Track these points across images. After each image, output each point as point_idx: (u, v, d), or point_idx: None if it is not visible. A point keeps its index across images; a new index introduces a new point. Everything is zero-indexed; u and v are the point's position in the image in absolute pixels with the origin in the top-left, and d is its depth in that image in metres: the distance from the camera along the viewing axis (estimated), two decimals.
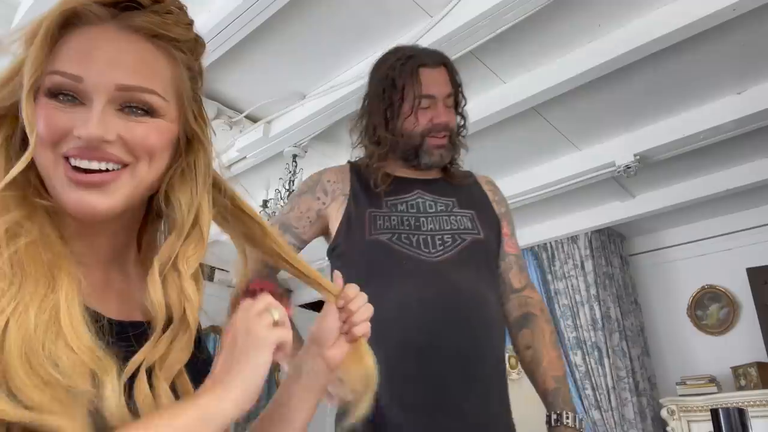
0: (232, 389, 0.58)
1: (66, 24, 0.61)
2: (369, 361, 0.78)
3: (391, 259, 1.27)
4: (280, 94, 2.93)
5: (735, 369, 3.52)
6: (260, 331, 0.63)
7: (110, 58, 0.60)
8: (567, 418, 1.24)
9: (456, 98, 1.45)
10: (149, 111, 0.62)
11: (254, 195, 3.77)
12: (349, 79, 2.69)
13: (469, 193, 1.45)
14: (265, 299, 0.66)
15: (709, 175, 3.52)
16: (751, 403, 3.21)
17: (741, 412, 2.10)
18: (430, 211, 1.36)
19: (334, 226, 1.35)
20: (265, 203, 3.28)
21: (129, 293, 0.69)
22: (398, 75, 1.38)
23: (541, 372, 1.32)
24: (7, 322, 0.50)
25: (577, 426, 1.24)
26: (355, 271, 1.13)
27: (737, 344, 3.70)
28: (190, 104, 0.69)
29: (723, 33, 2.41)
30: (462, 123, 1.48)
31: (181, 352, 0.63)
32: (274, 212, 3.26)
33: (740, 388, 3.43)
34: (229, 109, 3.04)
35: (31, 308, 0.52)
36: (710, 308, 3.92)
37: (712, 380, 3.53)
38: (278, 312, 0.66)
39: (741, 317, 3.79)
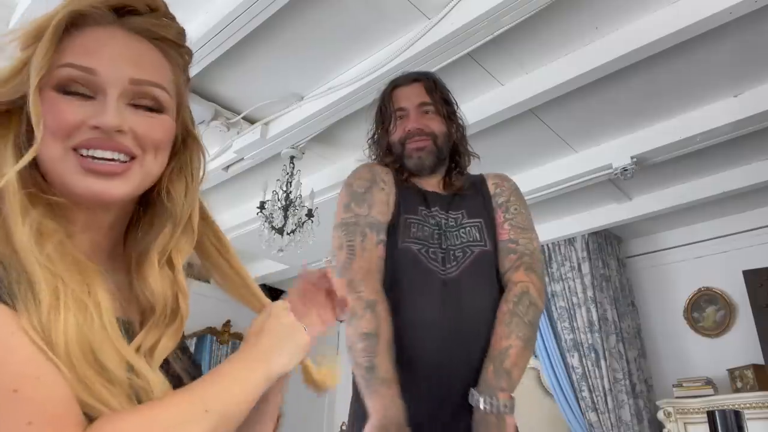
0: (268, 356, 0.64)
1: (71, 24, 0.63)
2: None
3: (415, 272, 1.35)
4: (278, 95, 2.93)
5: (731, 371, 3.52)
6: (300, 331, 0.70)
7: (121, 54, 0.63)
8: (476, 399, 1.22)
9: (437, 106, 1.54)
10: (157, 106, 0.66)
11: (252, 196, 3.77)
12: (346, 80, 2.69)
13: (474, 199, 1.51)
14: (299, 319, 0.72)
15: (705, 178, 3.54)
16: (748, 405, 3.22)
17: (737, 415, 2.11)
18: (446, 227, 1.44)
19: (386, 207, 1.41)
20: (262, 205, 3.28)
21: (119, 289, 0.70)
22: (381, 99, 1.58)
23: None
24: (66, 327, 0.53)
25: (487, 409, 1.20)
26: (387, 272, 1.33)
27: (733, 346, 3.71)
28: (186, 104, 0.73)
29: (720, 36, 2.42)
30: (455, 129, 1.57)
31: (170, 341, 0.66)
32: (272, 213, 3.26)
33: (736, 390, 3.43)
34: (227, 111, 3.04)
35: (73, 308, 0.55)
36: (707, 310, 3.93)
37: (709, 382, 3.54)
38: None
39: (737, 319, 3.80)
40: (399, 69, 2.49)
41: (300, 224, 3.28)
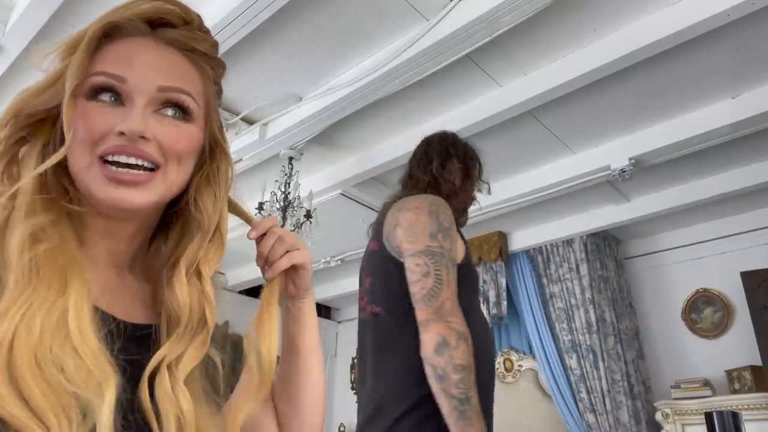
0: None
1: (106, 35, 0.66)
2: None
3: (476, 299, 1.59)
4: (277, 96, 2.93)
5: (729, 372, 3.53)
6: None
7: (151, 63, 0.65)
8: None
9: None
10: (184, 112, 0.67)
11: (250, 197, 3.76)
12: (345, 81, 2.69)
13: None
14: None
15: (703, 179, 3.54)
16: (745, 406, 3.23)
17: (735, 416, 2.11)
18: None
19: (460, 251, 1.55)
20: (260, 206, 3.28)
21: (140, 296, 0.71)
22: (473, 160, 1.81)
23: None
24: (15, 329, 0.52)
25: None
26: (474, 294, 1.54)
27: (731, 347, 3.72)
28: (215, 115, 0.74)
29: (718, 38, 2.43)
30: None
31: (197, 351, 0.66)
32: (270, 214, 3.26)
33: (734, 392, 3.44)
34: (225, 111, 3.04)
35: (38, 313, 0.54)
36: (705, 312, 3.93)
37: (707, 383, 3.54)
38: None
39: (735, 321, 3.80)
40: (398, 70, 2.50)
41: (298, 225, 3.28)
